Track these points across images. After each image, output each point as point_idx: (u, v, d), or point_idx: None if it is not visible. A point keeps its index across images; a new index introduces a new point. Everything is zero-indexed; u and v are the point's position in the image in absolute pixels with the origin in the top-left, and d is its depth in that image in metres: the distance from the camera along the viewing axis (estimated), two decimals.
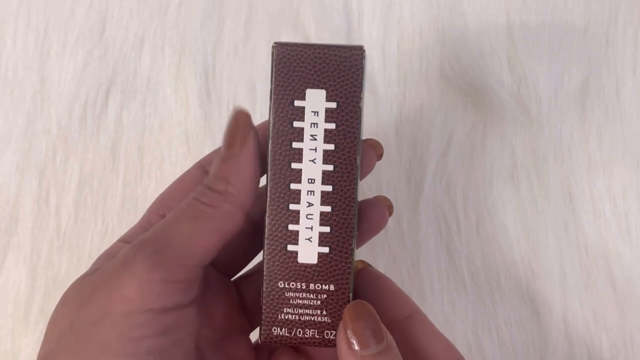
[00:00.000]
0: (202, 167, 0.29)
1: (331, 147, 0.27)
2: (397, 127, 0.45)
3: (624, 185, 0.43)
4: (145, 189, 0.45)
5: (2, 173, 0.45)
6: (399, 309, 0.28)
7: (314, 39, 0.46)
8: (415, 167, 0.44)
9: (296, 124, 0.27)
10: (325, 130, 0.27)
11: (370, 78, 0.45)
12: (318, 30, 0.46)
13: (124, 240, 0.28)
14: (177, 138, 0.45)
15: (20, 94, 0.46)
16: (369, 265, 0.30)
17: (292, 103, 0.27)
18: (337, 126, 0.27)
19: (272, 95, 0.27)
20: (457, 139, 0.44)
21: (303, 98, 0.27)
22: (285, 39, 0.46)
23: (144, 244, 0.25)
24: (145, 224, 0.29)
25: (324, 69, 0.26)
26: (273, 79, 0.27)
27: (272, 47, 0.27)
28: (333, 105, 0.27)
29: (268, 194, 0.27)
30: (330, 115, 0.27)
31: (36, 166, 0.45)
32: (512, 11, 0.45)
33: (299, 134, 0.27)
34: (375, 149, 0.30)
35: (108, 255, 0.27)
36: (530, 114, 0.44)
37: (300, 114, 0.27)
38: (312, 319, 0.27)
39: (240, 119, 0.26)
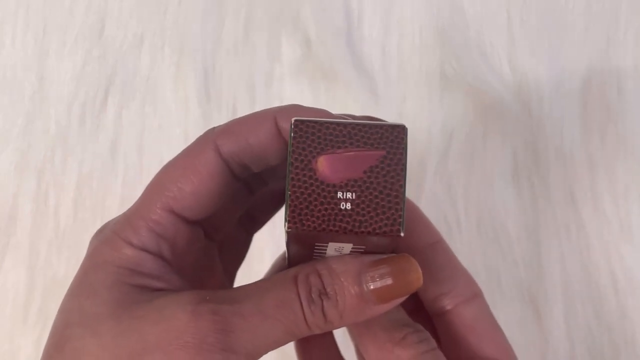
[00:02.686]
0: (217, 151, 0.24)
1: (362, 249, 0.23)
2: None
3: (625, 185, 0.43)
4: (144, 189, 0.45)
5: (0, 173, 0.45)
6: (426, 236, 0.28)
7: (314, 39, 0.45)
8: (415, 167, 0.44)
9: (318, 246, 0.23)
10: (354, 247, 0.23)
11: (370, 78, 0.45)
12: (318, 30, 0.45)
13: (116, 232, 0.25)
14: (176, 138, 0.45)
15: (19, 93, 0.46)
16: None
17: (313, 245, 0.22)
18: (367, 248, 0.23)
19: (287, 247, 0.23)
20: (458, 139, 0.44)
21: (325, 243, 0.22)
22: (285, 38, 0.46)
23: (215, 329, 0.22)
24: (145, 215, 0.24)
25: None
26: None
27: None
28: (361, 248, 0.23)
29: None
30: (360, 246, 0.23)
31: (35, 166, 0.45)
32: (513, 10, 0.45)
33: (320, 249, 0.23)
34: None
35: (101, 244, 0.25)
36: (531, 114, 0.43)
37: (322, 247, 0.23)
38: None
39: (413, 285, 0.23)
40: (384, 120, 0.23)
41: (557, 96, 0.44)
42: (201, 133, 0.45)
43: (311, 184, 0.20)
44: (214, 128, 0.25)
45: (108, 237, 0.25)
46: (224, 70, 0.46)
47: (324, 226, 0.20)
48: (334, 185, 0.21)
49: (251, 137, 0.24)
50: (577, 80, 0.44)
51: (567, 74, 0.44)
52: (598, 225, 0.42)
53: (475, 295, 0.27)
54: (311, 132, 0.21)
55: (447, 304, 0.27)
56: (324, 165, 0.21)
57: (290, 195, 0.20)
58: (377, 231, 0.20)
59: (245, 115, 0.24)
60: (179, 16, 0.46)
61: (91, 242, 0.25)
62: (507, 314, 0.42)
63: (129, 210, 0.25)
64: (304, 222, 0.20)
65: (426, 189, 0.43)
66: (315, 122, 0.21)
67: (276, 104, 0.45)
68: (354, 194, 0.21)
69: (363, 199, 0.21)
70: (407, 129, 0.21)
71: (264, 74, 0.46)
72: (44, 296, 0.44)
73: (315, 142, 0.21)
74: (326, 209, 0.20)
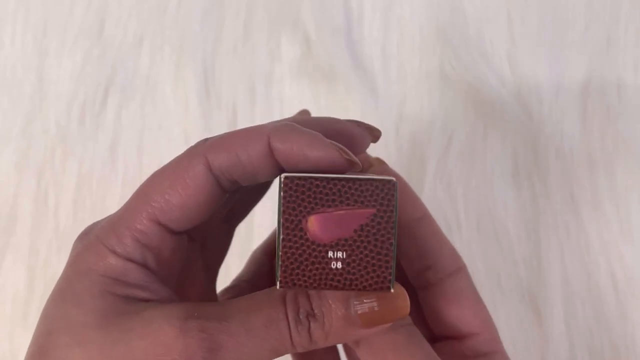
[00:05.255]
0: (207, 166, 0.24)
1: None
2: (397, 127, 0.44)
3: (625, 185, 0.43)
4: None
5: (0, 173, 0.45)
6: (412, 210, 0.28)
7: (314, 39, 0.45)
8: (415, 167, 0.44)
9: None
10: None
11: (370, 77, 0.45)
12: (318, 29, 0.45)
13: (100, 238, 0.24)
14: (176, 137, 0.45)
15: (19, 93, 0.46)
16: (384, 162, 0.30)
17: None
18: None
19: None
20: (458, 139, 0.44)
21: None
22: (285, 38, 0.46)
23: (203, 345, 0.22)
24: (130, 224, 0.24)
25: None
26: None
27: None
28: None
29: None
30: None
31: (35, 166, 0.45)
32: (513, 10, 0.45)
33: None
34: (371, 131, 0.27)
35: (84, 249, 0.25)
36: (531, 114, 0.43)
37: None
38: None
39: (401, 311, 0.23)
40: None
41: (557, 96, 0.44)
42: (201, 133, 0.45)
43: (302, 244, 0.21)
44: (206, 140, 0.24)
45: (92, 243, 0.24)
46: (224, 70, 0.46)
47: (314, 285, 0.21)
48: (325, 245, 0.21)
49: (242, 154, 0.23)
50: (577, 81, 0.44)
51: (567, 74, 0.44)
52: (598, 225, 0.42)
53: (459, 269, 0.28)
54: (301, 190, 0.21)
55: (431, 277, 0.28)
56: (314, 225, 0.21)
57: (281, 256, 0.21)
58: (367, 288, 0.21)
59: (239, 130, 0.24)
60: (178, 16, 0.46)
61: (74, 247, 0.25)
62: (507, 314, 0.42)
63: (114, 216, 0.25)
64: (295, 281, 0.21)
65: (426, 189, 0.43)
66: (305, 178, 0.21)
67: (276, 104, 0.45)
68: (344, 253, 0.21)
69: (354, 257, 0.21)
70: (397, 183, 0.21)
71: (264, 74, 0.46)
72: (43, 296, 0.44)
73: (306, 200, 0.21)
74: (317, 269, 0.21)
